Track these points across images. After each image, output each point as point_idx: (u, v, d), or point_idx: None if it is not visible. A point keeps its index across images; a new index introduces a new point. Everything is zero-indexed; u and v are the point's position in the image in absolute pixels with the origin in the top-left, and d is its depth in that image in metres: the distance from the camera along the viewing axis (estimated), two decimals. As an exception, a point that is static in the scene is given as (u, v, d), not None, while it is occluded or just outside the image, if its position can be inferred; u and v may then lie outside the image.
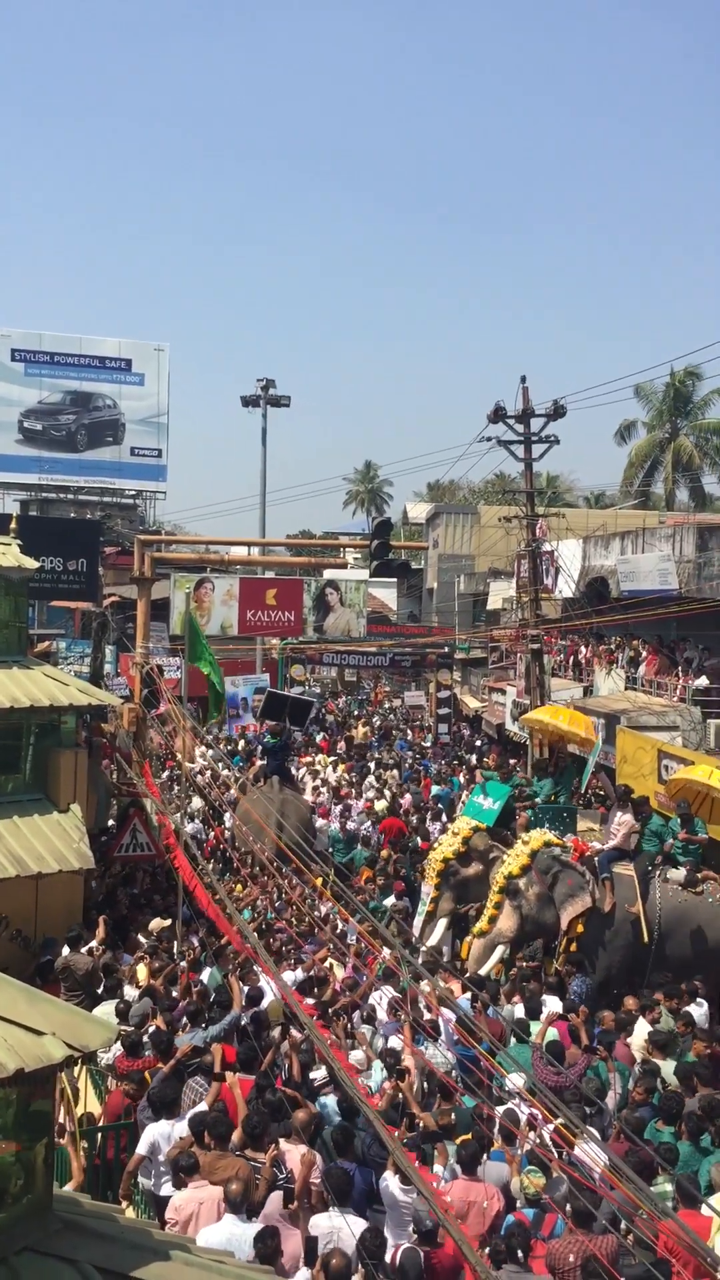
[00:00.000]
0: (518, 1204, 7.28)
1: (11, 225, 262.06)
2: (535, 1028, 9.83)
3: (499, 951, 12.32)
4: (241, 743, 28.52)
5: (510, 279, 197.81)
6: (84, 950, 11.37)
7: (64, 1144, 7.28)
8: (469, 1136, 7.66)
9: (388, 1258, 6.44)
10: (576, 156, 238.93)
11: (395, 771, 26.30)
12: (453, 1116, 8.08)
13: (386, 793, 23.28)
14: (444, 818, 19.57)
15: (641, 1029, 10.23)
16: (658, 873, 12.71)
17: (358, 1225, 6.65)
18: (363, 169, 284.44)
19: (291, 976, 11.04)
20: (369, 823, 20.23)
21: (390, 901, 14.78)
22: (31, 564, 13.67)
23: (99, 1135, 8.53)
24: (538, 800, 14.50)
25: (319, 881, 14.76)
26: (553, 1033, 9.67)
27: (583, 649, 28.75)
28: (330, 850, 18.05)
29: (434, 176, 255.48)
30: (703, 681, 20.91)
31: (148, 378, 46.65)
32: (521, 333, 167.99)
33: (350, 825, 19.93)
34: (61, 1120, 8.27)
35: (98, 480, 46.53)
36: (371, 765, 27.19)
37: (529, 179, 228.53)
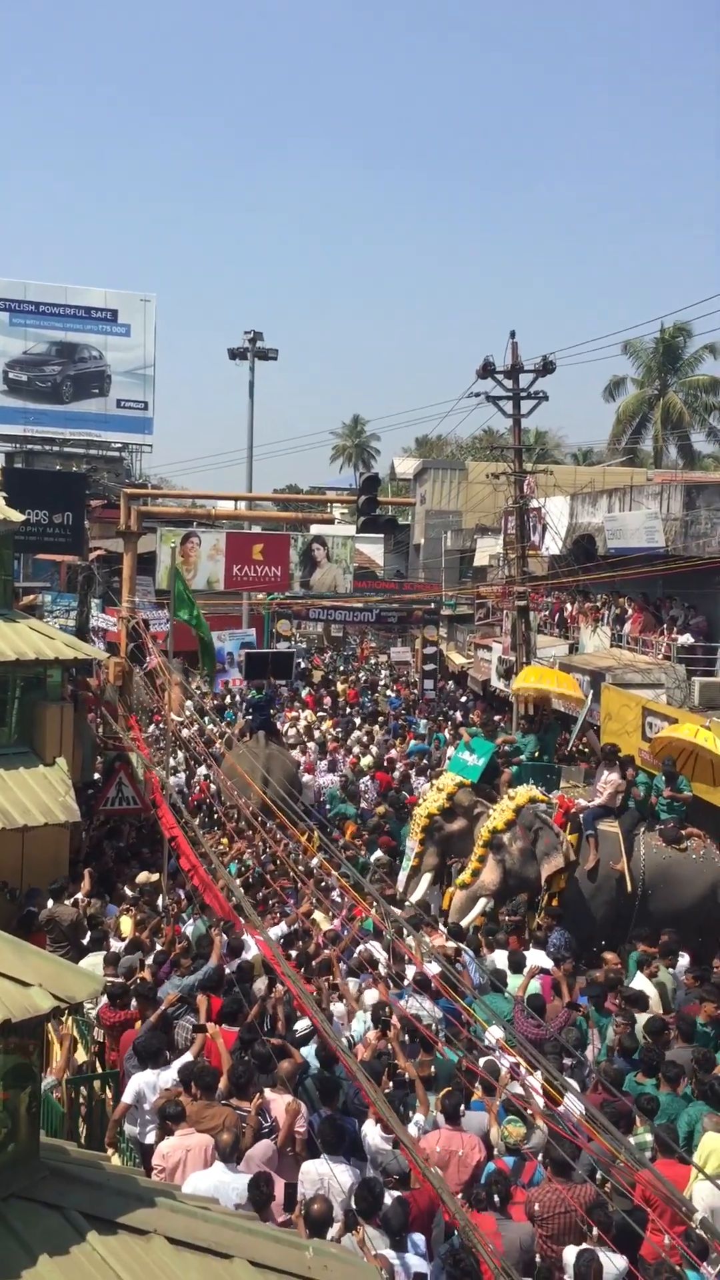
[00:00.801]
0: (496, 1152, 7.38)
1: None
2: (519, 981, 9.93)
3: (481, 904, 12.44)
4: (229, 698, 28.56)
5: (500, 234, 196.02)
6: (68, 902, 11.44)
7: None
8: (450, 1090, 7.76)
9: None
10: (567, 112, 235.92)
11: (379, 727, 26.38)
12: (433, 1070, 8.17)
13: (373, 748, 23.36)
14: (429, 773, 19.66)
15: (640, 984, 10.33)
16: (642, 829, 12.83)
17: (346, 1173, 6.75)
18: (352, 122, 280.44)
19: (276, 931, 11.11)
20: (364, 778, 20.31)
21: (376, 856, 14.87)
22: (17, 516, 13.59)
23: (94, 1083, 8.65)
24: (522, 757, 14.57)
25: (304, 837, 14.83)
26: (535, 985, 9.77)
27: (569, 606, 28.80)
28: (328, 806, 18.15)
29: (424, 131, 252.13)
30: (687, 639, 21.01)
31: (134, 329, 45.95)
32: (511, 288, 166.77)
33: (336, 780, 20.00)
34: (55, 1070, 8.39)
35: (83, 433, 46.00)
36: (357, 721, 27.27)
37: (519, 134, 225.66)
